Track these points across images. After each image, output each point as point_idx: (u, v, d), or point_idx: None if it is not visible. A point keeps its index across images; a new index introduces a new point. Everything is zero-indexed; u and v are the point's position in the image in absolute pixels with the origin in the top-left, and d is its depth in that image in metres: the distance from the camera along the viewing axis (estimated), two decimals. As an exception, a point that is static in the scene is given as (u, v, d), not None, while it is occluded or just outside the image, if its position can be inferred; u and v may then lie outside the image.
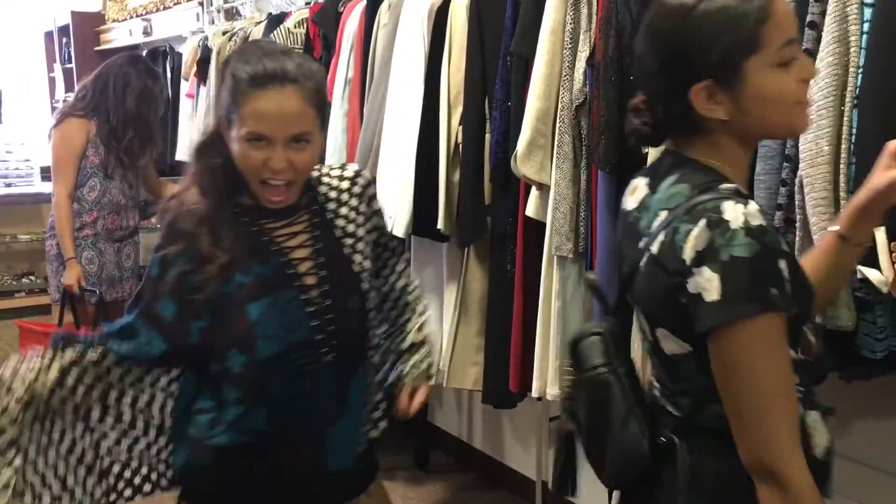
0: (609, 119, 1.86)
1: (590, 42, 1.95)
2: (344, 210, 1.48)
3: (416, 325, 1.62)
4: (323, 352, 1.40)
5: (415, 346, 1.60)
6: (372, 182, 1.55)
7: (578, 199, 2.02)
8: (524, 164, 2.03)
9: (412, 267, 2.57)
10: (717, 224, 1.02)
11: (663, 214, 1.10)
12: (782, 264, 1.03)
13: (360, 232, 1.49)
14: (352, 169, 1.53)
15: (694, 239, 1.03)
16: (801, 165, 1.52)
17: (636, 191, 1.21)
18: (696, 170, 1.12)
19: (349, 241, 1.47)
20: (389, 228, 2.37)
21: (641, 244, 1.13)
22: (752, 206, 1.04)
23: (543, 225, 2.08)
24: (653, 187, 1.16)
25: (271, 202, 1.39)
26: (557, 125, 2.00)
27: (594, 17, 1.95)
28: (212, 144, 1.42)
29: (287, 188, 1.38)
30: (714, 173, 1.11)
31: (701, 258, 1.02)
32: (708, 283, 1.01)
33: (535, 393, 2.12)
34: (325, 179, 1.50)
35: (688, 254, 1.04)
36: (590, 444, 1.24)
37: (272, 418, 1.41)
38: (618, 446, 1.17)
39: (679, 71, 1.10)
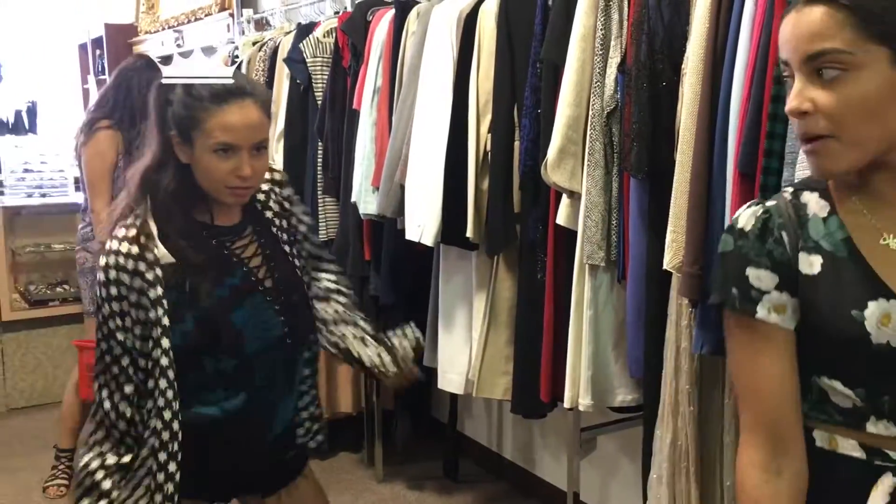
0: (641, 125, 1.84)
1: (621, 48, 1.93)
2: (278, 218, 1.68)
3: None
4: (289, 343, 1.61)
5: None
6: (287, 183, 1.75)
7: (610, 206, 1.99)
8: (555, 171, 2.01)
9: (441, 276, 2.56)
10: None
11: None
12: (753, 272, 1.04)
13: (285, 224, 1.69)
14: (279, 174, 1.73)
15: None
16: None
17: None
18: None
19: (284, 235, 1.67)
20: (418, 238, 2.40)
21: None
22: (757, 208, 1.06)
23: (573, 233, 2.05)
24: None
25: (235, 202, 1.57)
26: (588, 132, 1.98)
27: (625, 22, 1.92)
28: (160, 167, 1.52)
29: (248, 192, 1.56)
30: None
31: None
32: None
33: (566, 403, 2.10)
34: (263, 186, 1.67)
35: None
36: None
37: (249, 399, 1.58)
38: None
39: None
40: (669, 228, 1.78)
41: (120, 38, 5.52)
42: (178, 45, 4.88)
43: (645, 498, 1.95)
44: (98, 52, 5.72)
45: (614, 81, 1.93)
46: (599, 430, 2.46)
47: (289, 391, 1.68)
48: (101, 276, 1.47)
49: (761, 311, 1.05)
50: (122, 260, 1.46)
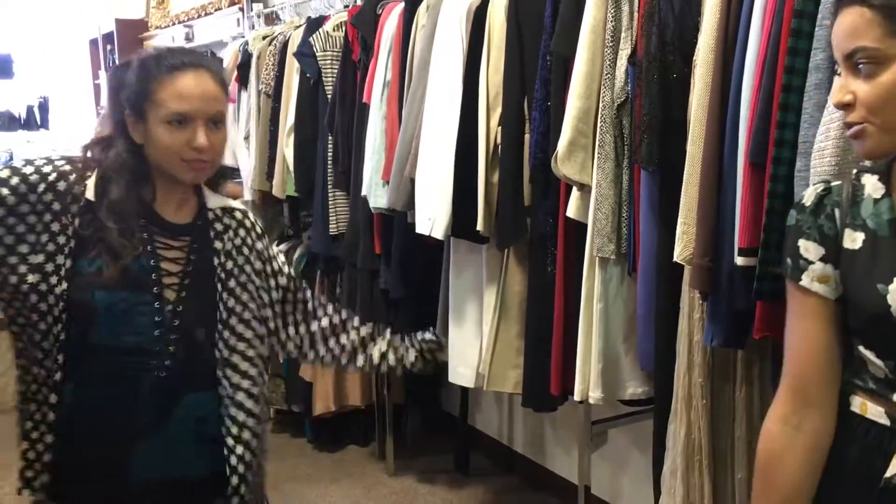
0: (651, 117, 1.83)
1: (631, 40, 1.92)
2: (234, 252, 1.53)
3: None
4: (153, 364, 1.42)
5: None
6: (264, 234, 1.62)
7: (620, 199, 1.98)
8: (565, 164, 2.01)
9: (451, 269, 2.56)
10: None
11: None
12: (803, 243, 1.15)
13: (237, 271, 1.52)
14: (251, 219, 1.61)
15: None
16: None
17: None
18: None
19: (223, 274, 1.50)
20: (428, 231, 2.40)
21: None
22: (819, 185, 1.17)
23: (584, 226, 2.05)
24: None
25: (193, 179, 1.46)
26: (599, 125, 1.97)
27: (636, 14, 1.91)
28: (109, 142, 1.45)
29: (206, 167, 1.44)
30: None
31: None
32: None
33: (576, 396, 2.09)
34: (226, 218, 1.55)
35: None
36: None
37: (79, 400, 1.41)
38: None
39: None
40: (680, 220, 1.77)
41: (130, 33, 5.53)
42: (188, 40, 4.89)
43: (656, 491, 1.95)
44: (109, 47, 5.74)
45: (625, 73, 1.92)
46: (610, 424, 2.46)
47: (160, 432, 1.44)
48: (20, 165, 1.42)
49: (805, 280, 1.15)
50: (46, 168, 1.41)
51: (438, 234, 2.40)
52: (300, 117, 3.17)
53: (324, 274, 3.39)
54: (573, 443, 2.83)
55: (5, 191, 1.38)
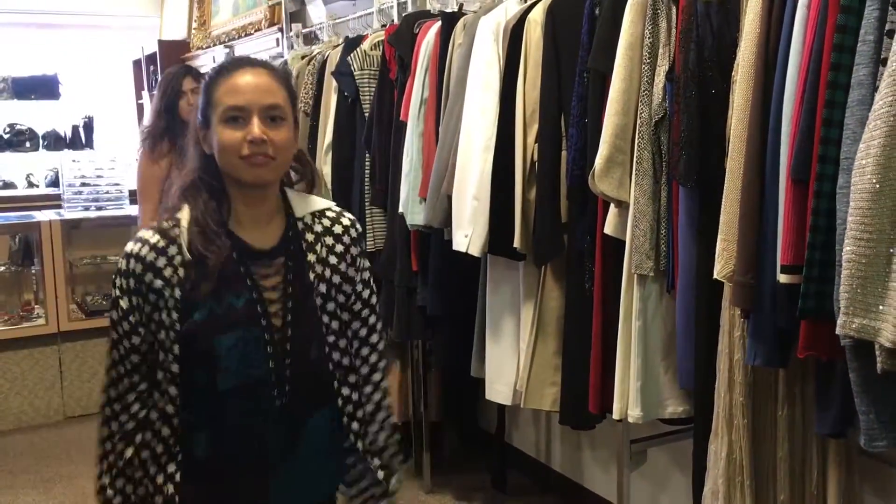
0: (690, 134, 1.82)
1: (669, 56, 1.92)
2: (331, 258, 1.50)
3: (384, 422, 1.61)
4: (275, 394, 1.42)
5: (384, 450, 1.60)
6: (361, 237, 1.58)
7: (659, 215, 1.97)
8: (602, 180, 2.00)
9: (488, 286, 2.56)
10: None
11: None
12: None
13: (337, 279, 1.50)
14: (348, 217, 1.56)
15: None
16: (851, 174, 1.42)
17: None
18: None
19: (323, 287, 1.48)
20: (465, 248, 2.41)
21: None
22: None
23: (622, 242, 2.03)
24: None
25: (255, 177, 1.40)
26: (636, 141, 1.97)
27: (673, 30, 1.91)
28: (198, 184, 1.45)
29: (268, 163, 1.39)
30: None
31: None
32: None
33: (615, 415, 2.07)
34: (316, 225, 1.51)
35: None
36: None
37: (214, 446, 1.43)
38: None
39: None
40: (720, 237, 1.75)
41: (173, 54, 5.64)
42: (229, 61, 4.97)
43: (697, 511, 1.92)
44: (152, 68, 5.85)
45: (662, 90, 1.91)
46: (650, 443, 2.43)
47: (292, 458, 1.45)
48: (119, 264, 1.43)
49: None
50: (143, 250, 1.40)
51: (475, 251, 2.40)
52: (338, 135, 3.20)
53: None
54: (611, 462, 2.80)
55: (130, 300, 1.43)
